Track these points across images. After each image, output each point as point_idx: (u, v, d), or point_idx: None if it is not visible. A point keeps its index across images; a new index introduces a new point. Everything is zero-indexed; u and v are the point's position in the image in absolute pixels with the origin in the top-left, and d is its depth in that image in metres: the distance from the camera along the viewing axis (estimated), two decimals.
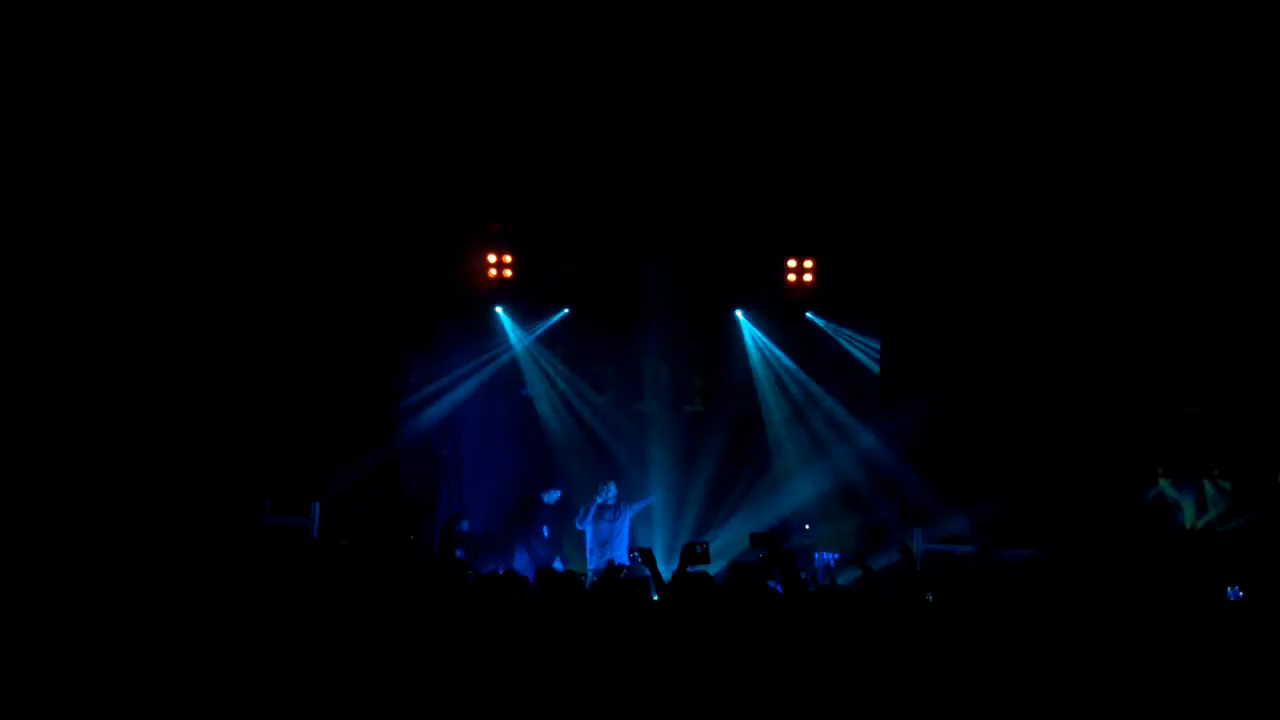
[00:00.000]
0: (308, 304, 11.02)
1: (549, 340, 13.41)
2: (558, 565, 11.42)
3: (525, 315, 12.91)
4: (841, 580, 10.10)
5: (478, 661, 4.29)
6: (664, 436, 13.19)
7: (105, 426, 10.04)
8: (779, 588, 6.04)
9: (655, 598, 5.81)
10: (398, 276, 11.41)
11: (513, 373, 13.39)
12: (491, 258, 12.15)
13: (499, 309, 12.80)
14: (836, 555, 11.04)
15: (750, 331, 12.85)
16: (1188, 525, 8.71)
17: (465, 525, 12.14)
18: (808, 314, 12.21)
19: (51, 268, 9.87)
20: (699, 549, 5.64)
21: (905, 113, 9.55)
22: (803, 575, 10.36)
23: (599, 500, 11.53)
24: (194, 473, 10.31)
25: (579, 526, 11.53)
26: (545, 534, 11.79)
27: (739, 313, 12.66)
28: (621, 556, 10.95)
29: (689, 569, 5.52)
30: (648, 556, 5.78)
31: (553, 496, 12.00)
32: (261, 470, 10.64)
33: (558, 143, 10.14)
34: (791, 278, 11.61)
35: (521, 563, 11.32)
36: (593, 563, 11.08)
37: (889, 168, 10.13)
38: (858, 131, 9.77)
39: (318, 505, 10.41)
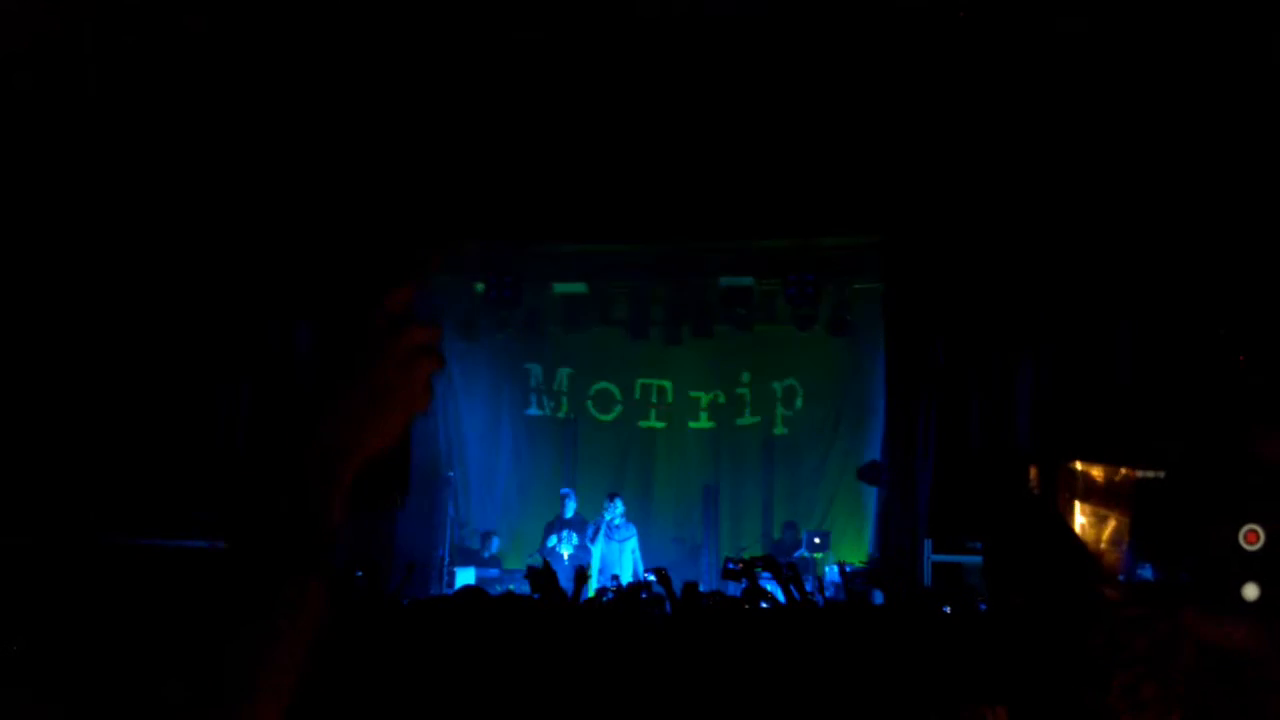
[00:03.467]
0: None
1: (552, 358, 13.44)
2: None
3: (524, 334, 12.91)
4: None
5: (495, 683, 4.28)
6: (672, 452, 13.19)
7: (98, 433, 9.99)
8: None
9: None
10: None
11: (520, 391, 13.43)
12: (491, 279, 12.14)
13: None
14: (847, 568, 11.01)
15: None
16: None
17: (494, 545, 12.17)
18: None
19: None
20: (734, 565, 5.65)
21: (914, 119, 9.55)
22: (810, 588, 10.37)
23: (606, 518, 11.50)
24: (203, 496, 10.27)
25: (589, 545, 11.49)
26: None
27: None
28: (624, 578, 10.92)
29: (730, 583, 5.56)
30: (663, 576, 5.78)
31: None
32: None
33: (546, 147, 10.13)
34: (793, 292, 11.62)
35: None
36: (601, 583, 11.04)
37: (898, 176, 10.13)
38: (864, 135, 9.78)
39: None
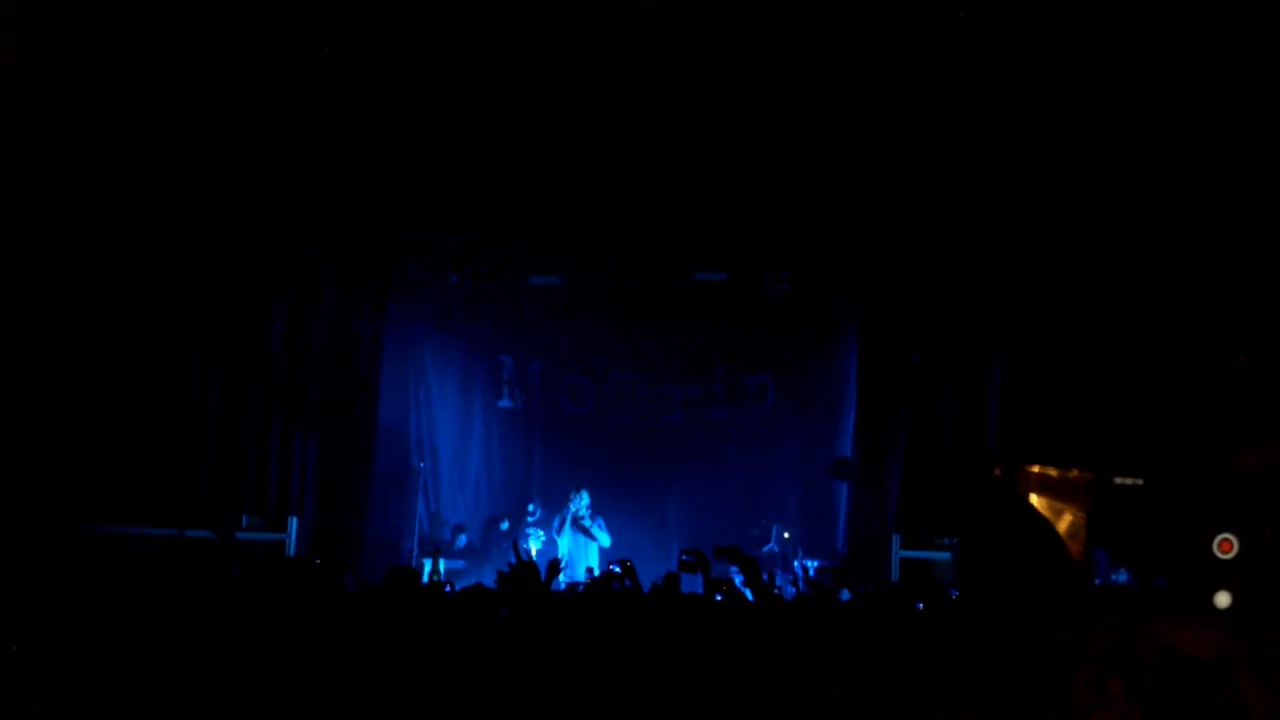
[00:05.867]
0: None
1: (525, 350, 13.39)
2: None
3: (496, 326, 12.87)
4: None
5: (462, 677, 4.26)
6: (643, 446, 13.18)
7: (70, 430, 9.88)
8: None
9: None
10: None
11: (493, 382, 13.38)
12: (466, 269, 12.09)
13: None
14: (816, 563, 11.04)
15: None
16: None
17: (464, 539, 12.11)
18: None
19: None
20: (688, 557, 5.63)
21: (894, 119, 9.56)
22: (779, 583, 10.40)
23: (572, 509, 11.49)
24: (171, 483, 10.19)
25: (554, 536, 11.48)
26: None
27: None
28: (588, 569, 10.90)
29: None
30: (628, 569, 5.76)
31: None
32: (236, 484, 10.53)
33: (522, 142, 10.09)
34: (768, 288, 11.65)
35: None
36: (568, 575, 11.01)
37: (876, 174, 10.13)
38: (840, 138, 9.78)
39: (295, 520, 10.31)
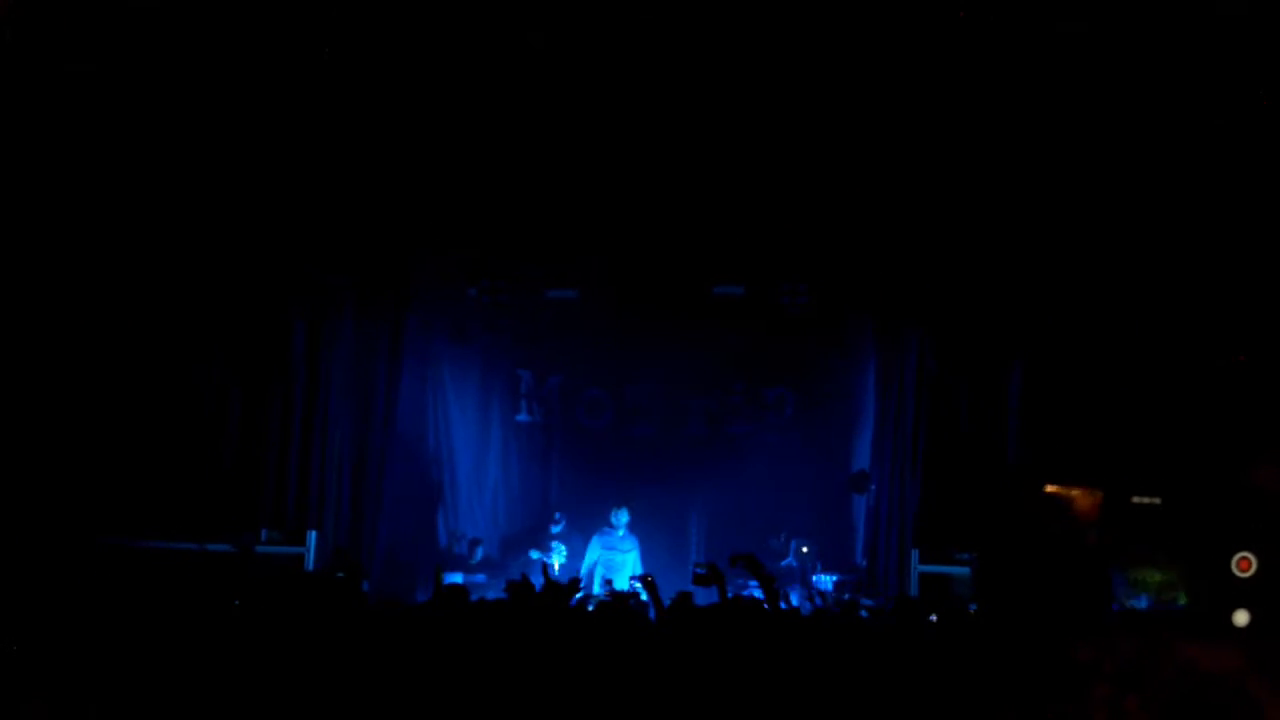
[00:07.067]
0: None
1: (544, 364, 13.40)
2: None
3: (515, 340, 12.90)
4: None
5: (478, 689, 4.25)
6: (662, 460, 13.16)
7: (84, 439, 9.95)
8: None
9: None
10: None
11: (511, 396, 13.39)
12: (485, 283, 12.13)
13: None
14: (835, 577, 10.98)
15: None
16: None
17: (480, 552, 12.13)
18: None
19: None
20: (701, 571, 5.61)
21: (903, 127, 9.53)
22: (795, 601, 10.35)
23: (613, 520, 11.51)
24: (190, 497, 10.24)
25: (592, 554, 11.49)
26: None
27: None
28: (621, 586, 10.88)
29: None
30: (649, 585, 5.74)
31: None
32: (255, 498, 10.58)
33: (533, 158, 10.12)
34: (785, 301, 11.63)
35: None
36: (601, 590, 10.99)
37: (887, 187, 10.10)
38: (853, 149, 9.76)
39: (314, 534, 10.34)
